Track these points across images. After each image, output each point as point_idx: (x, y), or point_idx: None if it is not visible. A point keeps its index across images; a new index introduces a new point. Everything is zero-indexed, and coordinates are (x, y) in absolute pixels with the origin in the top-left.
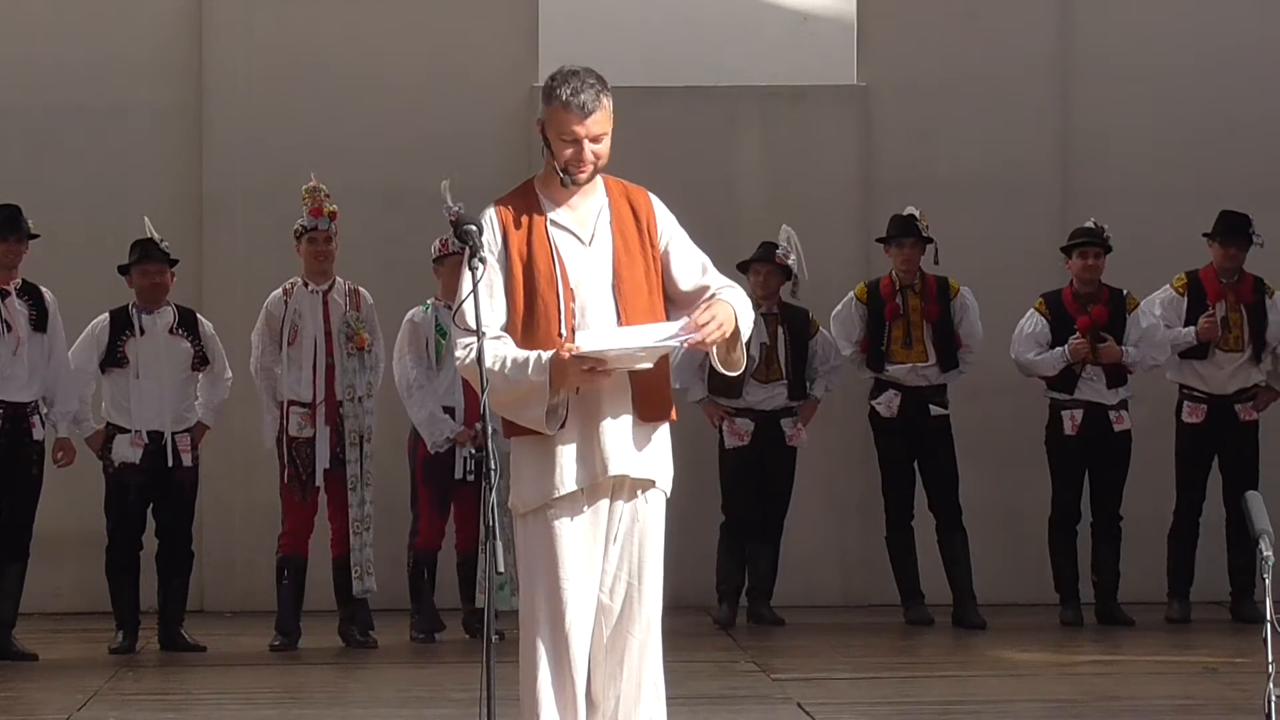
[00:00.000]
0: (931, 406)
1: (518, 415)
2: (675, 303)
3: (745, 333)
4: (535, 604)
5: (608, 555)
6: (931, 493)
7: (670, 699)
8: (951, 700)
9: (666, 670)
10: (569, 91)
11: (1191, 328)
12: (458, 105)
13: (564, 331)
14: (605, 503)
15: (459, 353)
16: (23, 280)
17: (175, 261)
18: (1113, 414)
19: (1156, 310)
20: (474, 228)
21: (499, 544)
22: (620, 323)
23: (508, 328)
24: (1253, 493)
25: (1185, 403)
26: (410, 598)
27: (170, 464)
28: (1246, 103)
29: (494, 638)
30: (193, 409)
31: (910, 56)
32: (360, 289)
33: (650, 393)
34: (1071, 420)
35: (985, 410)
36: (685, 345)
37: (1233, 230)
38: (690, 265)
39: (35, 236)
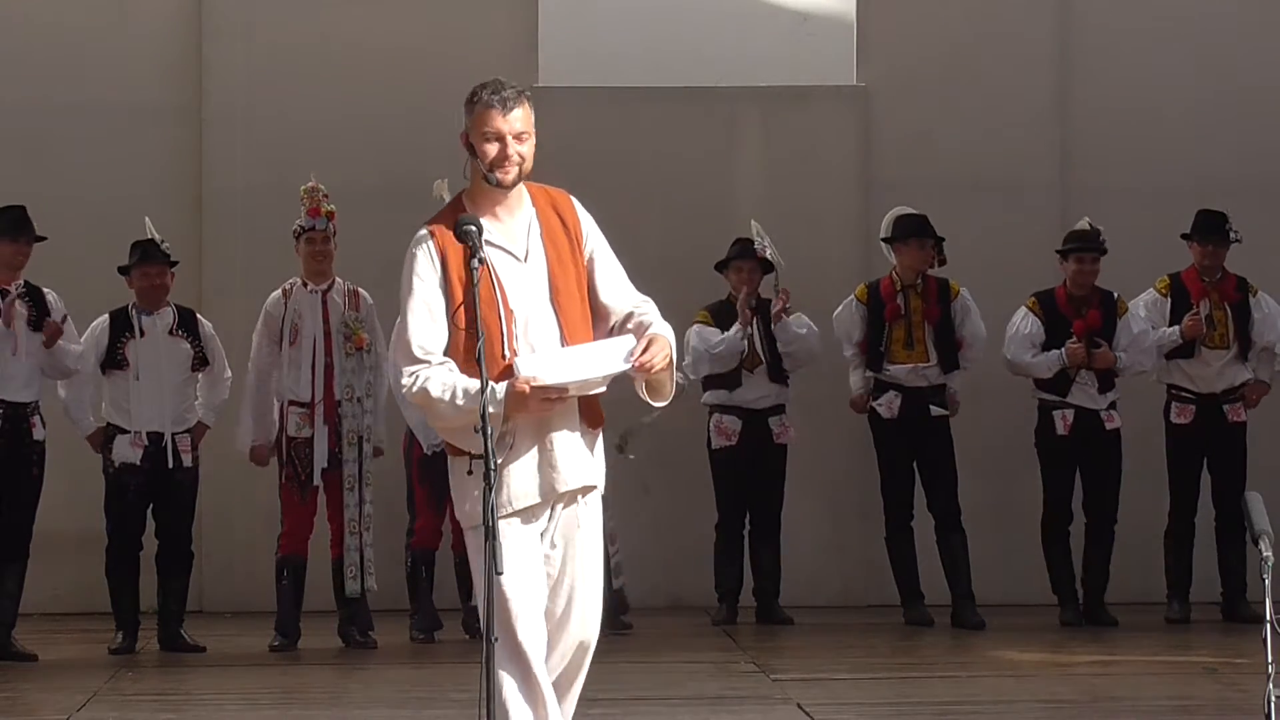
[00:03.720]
0: (932, 407)
1: (466, 442)
2: (596, 314)
3: (668, 333)
4: (490, 615)
5: (550, 559)
6: (931, 493)
7: (670, 699)
8: (951, 700)
9: (667, 670)
10: (488, 92)
11: (1176, 327)
12: (458, 105)
13: (507, 353)
14: (549, 509)
15: (404, 381)
16: (25, 281)
17: (175, 263)
18: (1103, 414)
19: (1141, 313)
20: (473, 228)
21: (499, 544)
22: (562, 334)
23: (449, 351)
24: (1252, 493)
25: (1173, 404)
26: (409, 597)
27: (170, 465)
28: (1246, 103)
29: (494, 638)
30: (193, 410)
31: (910, 56)
32: (360, 289)
33: (593, 401)
34: (1063, 420)
35: (985, 411)
36: (632, 367)
37: (1210, 228)
38: (614, 279)
39: (42, 239)
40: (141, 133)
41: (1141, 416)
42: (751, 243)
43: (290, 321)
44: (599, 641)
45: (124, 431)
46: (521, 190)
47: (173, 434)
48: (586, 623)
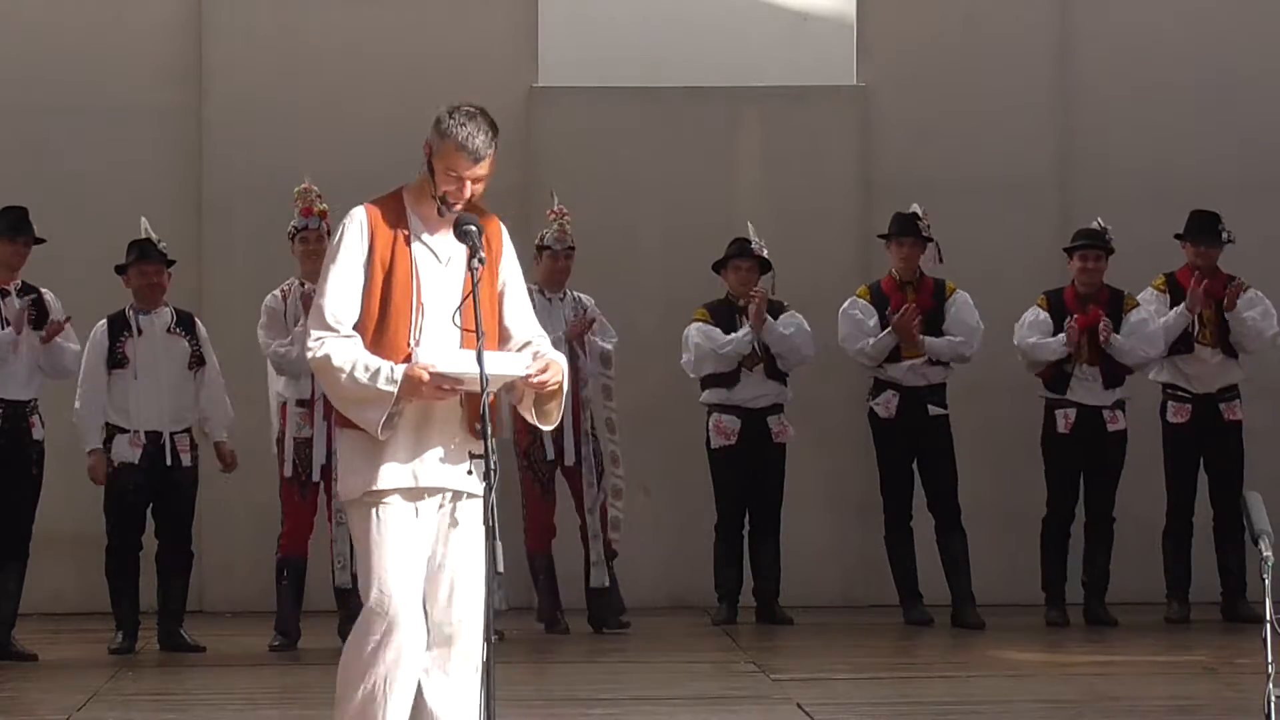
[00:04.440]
0: (930, 406)
1: (355, 414)
2: (500, 336)
3: (561, 360)
4: (365, 590)
5: (433, 555)
6: (930, 493)
7: (670, 699)
8: (951, 700)
9: (667, 670)
10: (465, 135)
11: (1180, 305)
12: None
13: (411, 343)
14: (425, 502)
15: (310, 344)
16: (23, 281)
17: (172, 262)
18: (1107, 414)
19: (1150, 308)
20: (473, 228)
21: (499, 544)
22: (464, 339)
23: (358, 326)
24: (1252, 493)
25: (1170, 403)
26: None
27: (169, 464)
28: (1247, 103)
29: (494, 638)
30: (192, 409)
31: (910, 56)
32: None
33: (480, 407)
34: (1065, 419)
35: (985, 410)
36: (526, 380)
37: (1202, 229)
38: (520, 308)
39: (41, 240)
40: (141, 133)
41: (1141, 416)
42: (749, 242)
43: (290, 320)
44: (598, 642)
45: (123, 431)
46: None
47: (171, 433)
48: (466, 615)
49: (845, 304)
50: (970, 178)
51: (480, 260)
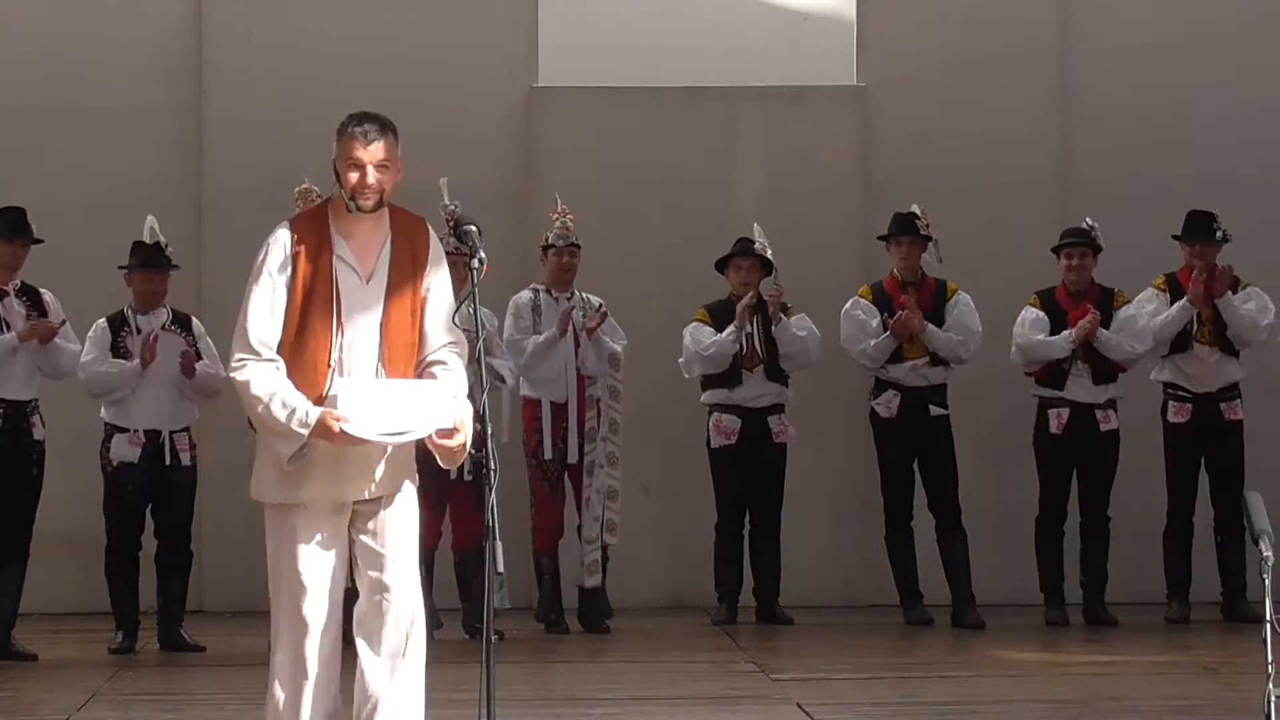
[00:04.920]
0: (931, 407)
1: (266, 440)
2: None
3: (467, 414)
4: (278, 591)
5: (359, 548)
6: (931, 493)
7: (670, 699)
8: (951, 700)
9: (667, 670)
10: (354, 123)
11: (1181, 300)
12: (458, 105)
13: (330, 363)
14: (347, 505)
15: (233, 364)
16: (21, 282)
17: (176, 267)
18: (1099, 413)
19: (1148, 308)
20: (473, 228)
21: (499, 544)
22: (381, 360)
23: (279, 347)
24: (1252, 493)
25: (1170, 403)
26: None
27: (168, 463)
28: (1247, 102)
29: (494, 638)
30: (190, 408)
31: (910, 56)
32: None
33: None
34: (1058, 419)
35: (984, 411)
36: (429, 440)
37: (1197, 228)
38: (439, 316)
39: (39, 241)
40: (141, 133)
41: (1140, 415)
42: (752, 242)
43: None
44: (598, 642)
45: (122, 430)
46: (383, 213)
47: (170, 432)
48: (405, 592)
49: (847, 304)
50: (970, 178)
51: (480, 260)
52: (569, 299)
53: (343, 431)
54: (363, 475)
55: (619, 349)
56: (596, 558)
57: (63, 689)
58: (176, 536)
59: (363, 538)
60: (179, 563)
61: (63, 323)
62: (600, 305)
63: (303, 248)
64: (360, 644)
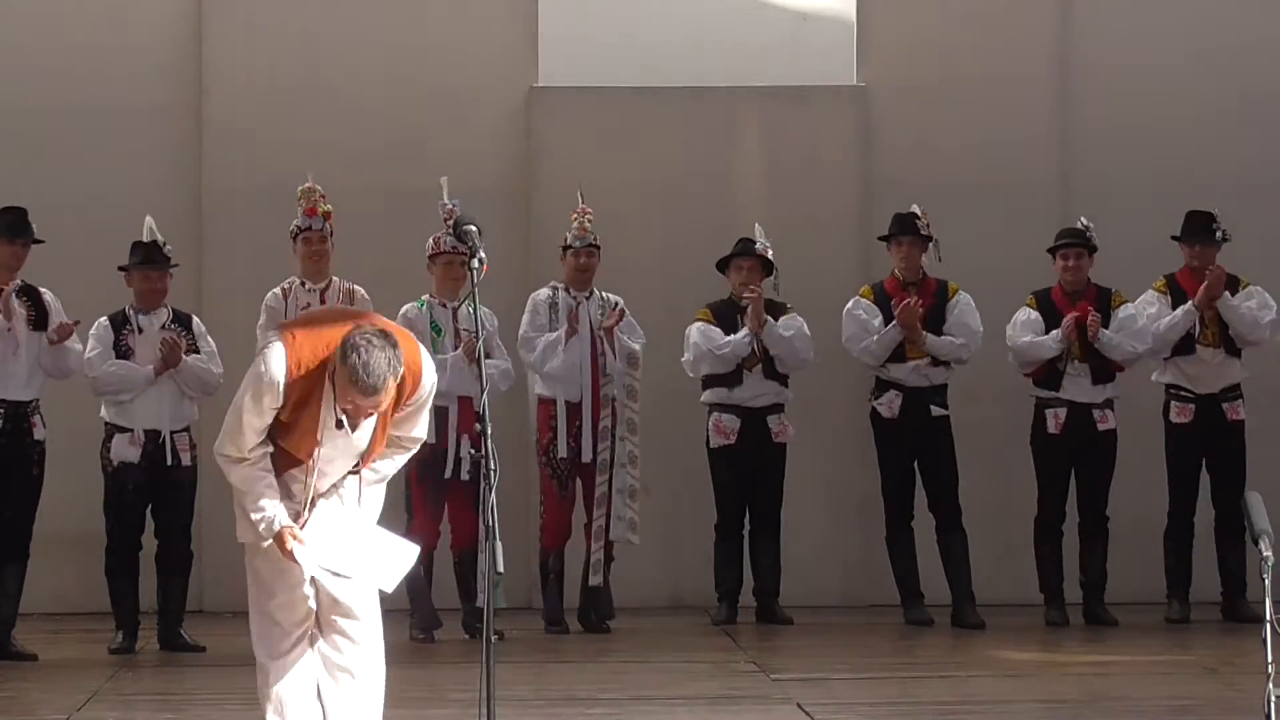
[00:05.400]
0: (932, 407)
1: (240, 514)
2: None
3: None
4: (256, 580)
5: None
6: (931, 493)
7: (670, 699)
8: (951, 700)
9: (667, 670)
10: (362, 372)
11: (1186, 304)
12: (457, 105)
13: (308, 469)
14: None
15: (222, 452)
16: (22, 281)
17: (175, 265)
18: (1097, 413)
19: (1149, 310)
20: (473, 228)
21: (499, 544)
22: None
23: (270, 432)
24: (1253, 493)
25: (1173, 403)
26: (408, 597)
27: (169, 462)
28: (1247, 103)
29: (494, 638)
30: (191, 407)
31: (910, 57)
32: (356, 287)
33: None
34: (1055, 419)
35: (984, 411)
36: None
37: (1197, 229)
38: (402, 429)
39: (40, 241)
40: (141, 133)
41: (1141, 416)
42: (753, 242)
43: (290, 319)
44: (598, 642)
45: (123, 430)
46: None
47: (170, 432)
48: (366, 613)
49: (849, 304)
50: (970, 178)
51: (480, 260)
52: (588, 298)
53: (292, 552)
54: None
55: (636, 348)
56: (600, 558)
57: (63, 689)
58: (176, 536)
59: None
60: (179, 563)
61: (76, 322)
62: (618, 304)
63: (298, 383)
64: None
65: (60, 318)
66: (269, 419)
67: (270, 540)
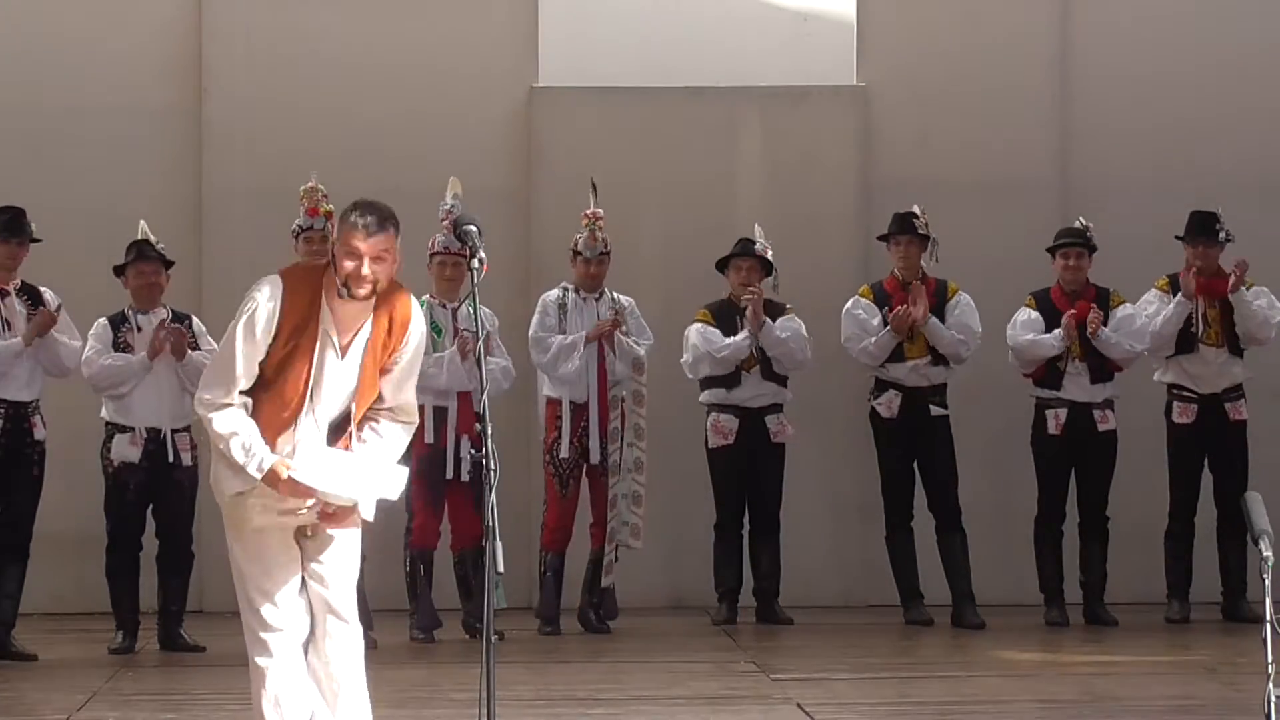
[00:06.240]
0: (931, 406)
1: (221, 471)
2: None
3: (392, 488)
4: (244, 583)
5: (305, 554)
6: (931, 493)
7: (670, 699)
8: (951, 700)
9: (667, 670)
10: (356, 212)
11: (1177, 296)
12: (458, 105)
13: (298, 413)
14: (289, 509)
15: (204, 399)
16: (21, 281)
17: (171, 263)
18: (1097, 413)
19: (1149, 309)
20: (473, 227)
21: (499, 544)
22: (354, 420)
23: (251, 389)
24: (1253, 493)
25: (1175, 403)
26: (408, 597)
27: (170, 461)
28: (1246, 102)
29: (494, 638)
30: (191, 407)
31: (910, 57)
32: None
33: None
34: (1055, 420)
35: (984, 411)
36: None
37: (1201, 229)
38: (400, 381)
39: (37, 240)
40: (141, 133)
41: (1142, 416)
42: (753, 242)
43: None
44: (598, 642)
45: (123, 429)
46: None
47: (171, 431)
48: (336, 597)
49: (848, 304)
50: (970, 178)
51: (480, 260)
52: (598, 299)
53: (290, 479)
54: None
55: (642, 352)
56: (612, 559)
57: (63, 689)
58: (177, 536)
59: (306, 544)
60: (179, 563)
61: (58, 307)
62: (624, 309)
63: (292, 310)
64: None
65: (67, 316)
66: (261, 353)
67: (256, 480)
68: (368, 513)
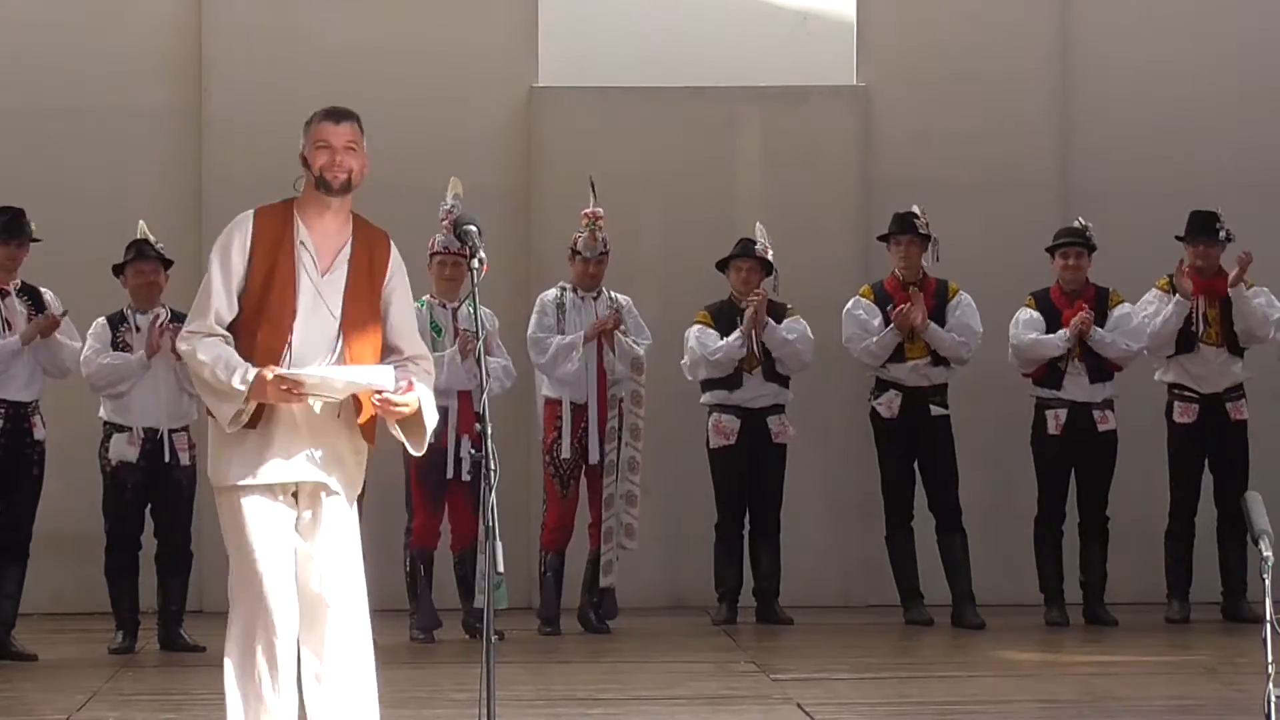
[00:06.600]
0: (932, 406)
1: (213, 407)
2: (385, 353)
3: (430, 421)
4: (238, 577)
5: (299, 549)
6: (931, 493)
7: (670, 699)
8: (951, 700)
9: (667, 670)
10: (322, 112)
11: (1176, 294)
12: (458, 105)
13: (285, 345)
14: (291, 497)
15: (185, 333)
16: (22, 282)
17: (170, 263)
18: (1097, 413)
19: (1148, 309)
20: (473, 227)
21: (499, 544)
22: (344, 352)
23: (234, 326)
24: (1253, 493)
25: (1176, 403)
26: (408, 597)
27: (168, 460)
28: (1247, 102)
29: (494, 638)
30: (190, 405)
31: (910, 56)
32: None
33: (368, 424)
34: (1055, 420)
35: (984, 411)
36: (376, 402)
37: (1201, 229)
38: (404, 324)
39: (37, 240)
40: (141, 133)
41: (1142, 416)
42: (753, 242)
43: None
44: (598, 642)
45: (121, 429)
46: (348, 215)
47: (169, 430)
48: (342, 610)
49: (849, 304)
50: (970, 178)
51: (480, 260)
52: (595, 298)
53: (277, 376)
54: (313, 454)
55: (640, 351)
56: (611, 559)
57: (63, 689)
58: (176, 536)
59: (301, 543)
60: (179, 563)
61: (64, 314)
62: (620, 308)
63: (265, 234)
64: (304, 653)
65: (59, 310)
66: (238, 278)
67: (244, 393)
68: (391, 385)
